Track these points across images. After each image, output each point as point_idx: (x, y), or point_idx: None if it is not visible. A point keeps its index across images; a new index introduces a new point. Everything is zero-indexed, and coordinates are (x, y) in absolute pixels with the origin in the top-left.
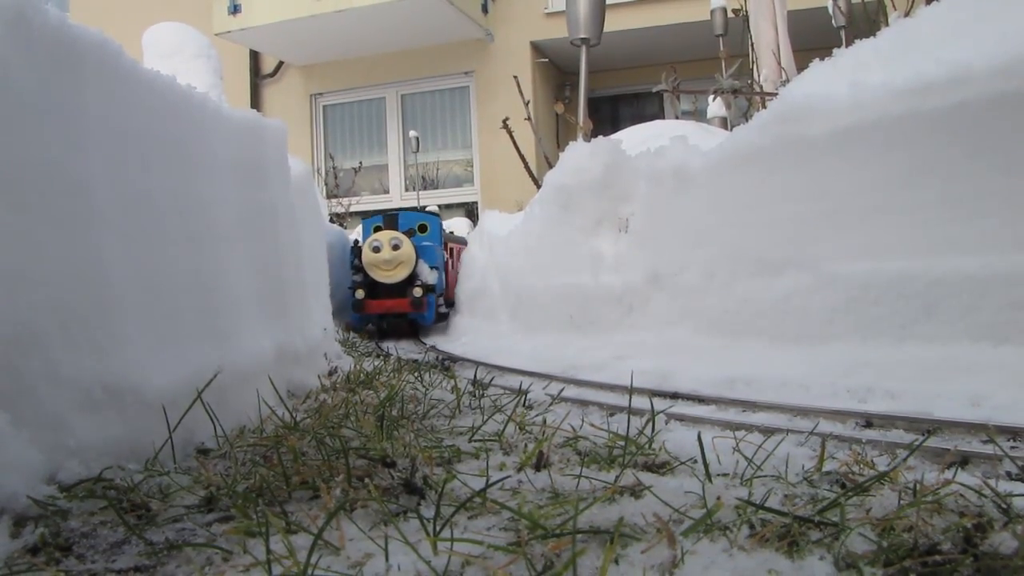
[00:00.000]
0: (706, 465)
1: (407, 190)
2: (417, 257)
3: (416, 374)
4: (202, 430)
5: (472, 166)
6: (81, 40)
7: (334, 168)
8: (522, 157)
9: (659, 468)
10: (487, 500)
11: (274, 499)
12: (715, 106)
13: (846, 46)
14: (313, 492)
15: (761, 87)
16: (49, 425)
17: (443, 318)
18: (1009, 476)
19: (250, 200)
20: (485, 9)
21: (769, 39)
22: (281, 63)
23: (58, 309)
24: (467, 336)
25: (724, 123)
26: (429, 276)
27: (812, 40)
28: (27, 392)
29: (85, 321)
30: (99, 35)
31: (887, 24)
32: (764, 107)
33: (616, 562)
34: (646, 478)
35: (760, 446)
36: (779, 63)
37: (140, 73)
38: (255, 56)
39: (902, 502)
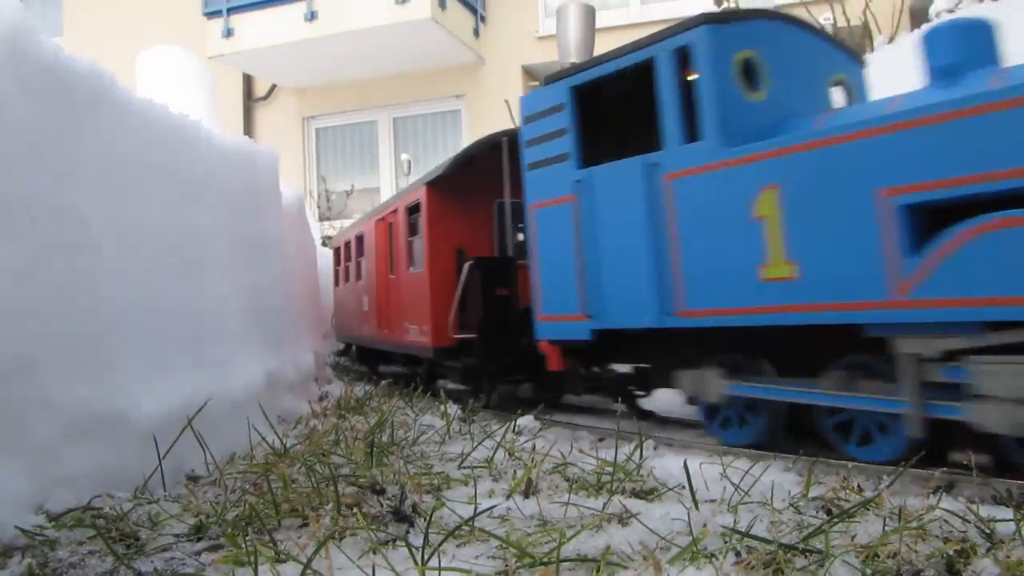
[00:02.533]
0: (692, 492)
1: None
2: None
3: (407, 399)
4: (193, 457)
5: None
6: (75, 71)
7: (326, 191)
8: None
9: (647, 494)
10: (475, 528)
11: (263, 527)
12: None
13: None
14: (302, 520)
15: None
16: (38, 454)
17: None
18: (995, 499)
19: (242, 227)
20: (476, 33)
21: None
22: (274, 86)
23: (50, 338)
24: None
25: None
26: None
27: None
28: (17, 421)
29: (77, 350)
30: (92, 65)
31: (872, 49)
32: None
33: None
34: (634, 505)
35: (747, 471)
36: None
37: (133, 103)
38: (248, 79)
39: (887, 528)
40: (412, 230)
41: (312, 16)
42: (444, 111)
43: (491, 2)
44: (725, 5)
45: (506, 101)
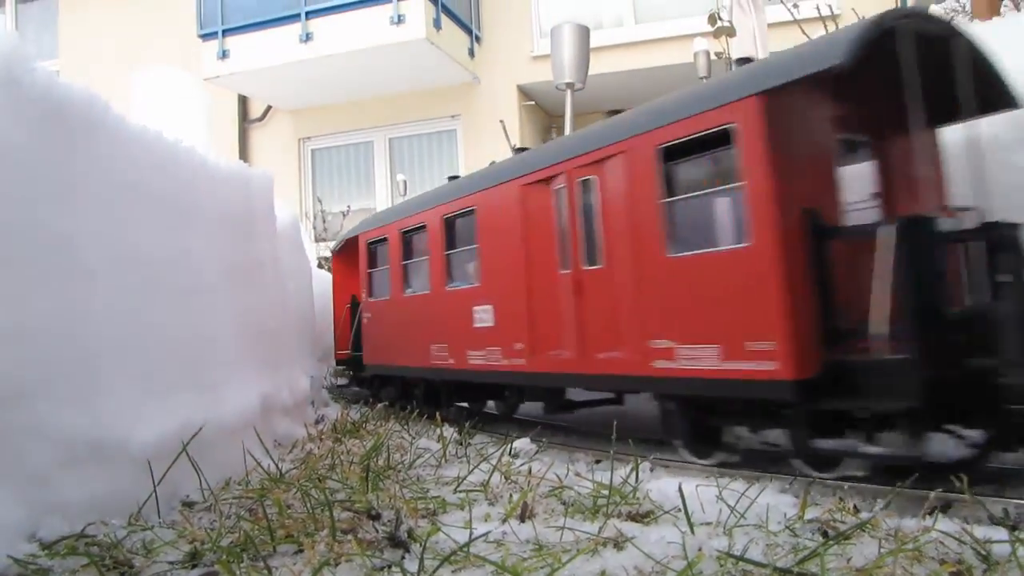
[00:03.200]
0: (688, 515)
1: None
2: None
3: (403, 423)
4: (188, 482)
5: None
6: (69, 98)
7: (322, 212)
8: None
9: (643, 517)
10: (471, 554)
11: (258, 554)
12: None
13: None
14: (298, 546)
15: None
16: (32, 481)
17: None
18: (992, 520)
19: (236, 251)
20: (471, 53)
21: None
22: (269, 107)
23: (44, 364)
24: None
25: None
26: None
27: None
28: (10, 448)
29: (71, 376)
30: (87, 92)
31: None
32: None
33: None
34: (629, 528)
35: (743, 493)
36: None
37: (127, 128)
38: (243, 100)
39: (882, 550)
40: (669, 186)
41: (307, 37)
42: (440, 131)
43: (486, 22)
44: (719, 24)
45: (501, 122)
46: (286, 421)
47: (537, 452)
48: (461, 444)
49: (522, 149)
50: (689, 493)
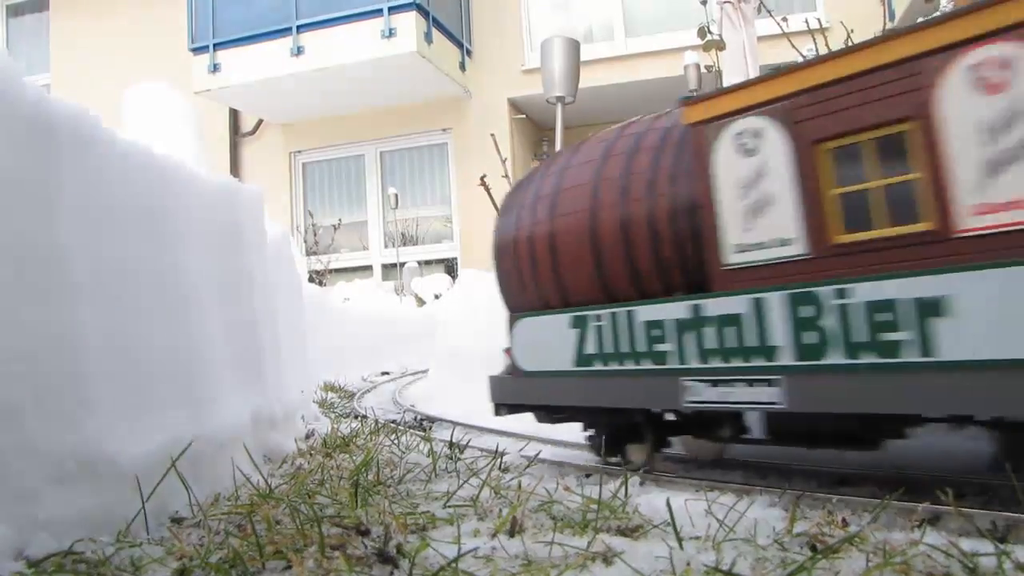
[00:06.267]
0: (676, 530)
1: (387, 246)
2: None
3: (393, 436)
4: (176, 498)
5: (451, 222)
6: (58, 114)
7: (313, 225)
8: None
9: (632, 532)
10: (459, 570)
11: (247, 571)
12: None
13: None
14: (287, 562)
15: None
16: (20, 498)
17: None
18: (979, 532)
19: (226, 266)
20: (462, 67)
21: None
22: (260, 121)
23: (32, 381)
24: None
25: None
26: None
27: None
28: None
29: (60, 393)
30: (76, 108)
31: None
32: None
33: None
34: (618, 543)
35: (732, 507)
36: None
37: (117, 143)
38: (234, 114)
39: (870, 564)
40: None
41: (298, 51)
42: (431, 144)
43: (477, 36)
44: (709, 38)
45: (492, 135)
46: (276, 435)
47: (527, 466)
48: (451, 459)
49: None
50: (678, 507)
